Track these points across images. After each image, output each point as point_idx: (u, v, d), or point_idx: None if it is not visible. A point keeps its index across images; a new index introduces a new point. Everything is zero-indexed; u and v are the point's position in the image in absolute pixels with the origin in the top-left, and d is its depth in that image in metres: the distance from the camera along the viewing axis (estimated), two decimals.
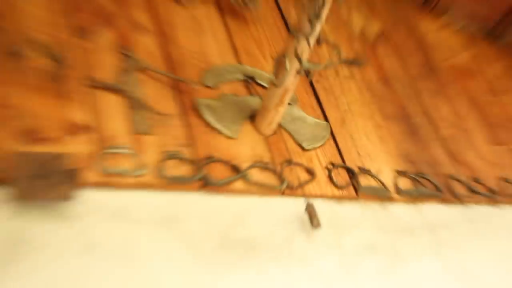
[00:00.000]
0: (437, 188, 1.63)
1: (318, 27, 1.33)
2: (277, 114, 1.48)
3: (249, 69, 1.63)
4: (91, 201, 1.22)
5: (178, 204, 1.30)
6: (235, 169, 1.38)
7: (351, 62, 1.81)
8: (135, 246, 1.21)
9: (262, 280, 1.28)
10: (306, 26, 1.32)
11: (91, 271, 1.15)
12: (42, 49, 1.38)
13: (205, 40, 1.64)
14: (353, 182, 1.52)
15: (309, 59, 1.40)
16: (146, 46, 1.54)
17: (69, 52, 1.41)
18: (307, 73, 1.67)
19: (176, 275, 1.21)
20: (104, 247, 1.19)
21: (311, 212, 1.38)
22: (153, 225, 1.25)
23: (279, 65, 1.41)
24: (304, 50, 1.37)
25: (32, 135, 1.24)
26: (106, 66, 1.44)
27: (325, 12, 1.31)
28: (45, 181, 1.17)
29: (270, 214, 1.38)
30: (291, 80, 1.42)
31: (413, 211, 1.59)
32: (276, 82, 1.42)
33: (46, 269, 1.12)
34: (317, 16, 1.30)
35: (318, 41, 1.39)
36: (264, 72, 1.63)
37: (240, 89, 1.58)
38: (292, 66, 1.39)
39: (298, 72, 1.40)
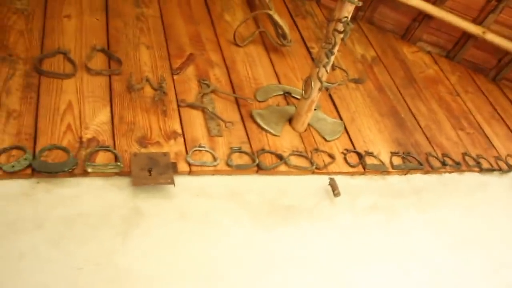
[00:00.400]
0: (420, 163, 1.52)
1: (332, 58, 1.25)
2: (307, 117, 1.40)
3: (287, 87, 1.54)
4: (183, 184, 1.17)
5: (241, 183, 1.24)
6: (279, 157, 1.31)
7: (356, 81, 1.71)
8: (213, 214, 1.16)
9: (298, 232, 1.21)
10: (324, 58, 1.24)
11: (185, 232, 1.11)
12: (149, 83, 1.34)
13: (255, 69, 1.57)
14: (362, 162, 1.43)
15: (327, 80, 1.31)
16: (216, 75, 1.48)
17: (167, 83, 1.36)
18: (327, 89, 1.58)
19: (240, 232, 1.16)
20: (192, 215, 1.14)
21: (333, 185, 1.30)
22: (224, 199, 1.20)
23: (307, 84, 1.32)
24: (323, 74, 1.28)
25: (144, 141, 1.20)
26: (191, 91, 1.39)
27: (336, 49, 1.23)
28: (154, 171, 1.13)
29: (304, 188, 1.31)
30: (315, 94, 1.34)
31: (403, 180, 1.49)
32: (305, 96, 1.34)
33: (155, 231, 1.09)
34: (331, 52, 1.23)
35: (333, 67, 1.30)
36: (297, 88, 1.54)
37: (281, 101, 1.50)
38: (315, 85, 1.31)
39: (320, 89, 1.32)
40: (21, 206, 1.03)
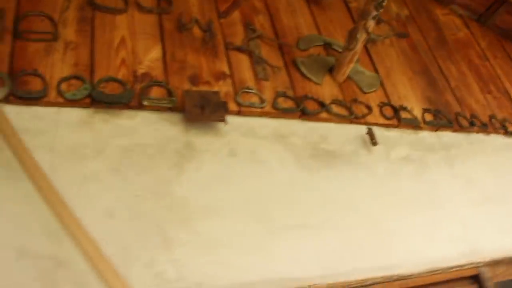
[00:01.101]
0: (449, 121, 1.57)
1: (380, 11, 1.28)
2: (348, 68, 1.43)
3: (327, 38, 1.56)
4: (232, 123, 1.22)
5: (286, 126, 1.29)
6: (321, 104, 1.35)
7: (400, 35, 1.73)
8: (259, 153, 1.22)
9: (337, 176, 1.27)
10: (373, 11, 1.27)
11: (234, 168, 1.17)
12: (198, 24, 1.36)
13: (297, 19, 1.58)
14: (396, 115, 1.48)
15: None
16: (260, 22, 1.50)
17: (215, 26, 1.39)
18: (373, 41, 1.62)
19: (285, 172, 1.21)
20: (241, 153, 1.19)
21: (371, 134, 1.35)
22: (270, 140, 1.25)
23: (352, 35, 1.35)
24: (371, 26, 1.31)
25: (195, 79, 1.24)
26: (237, 35, 1.41)
27: (385, 3, 1.26)
28: (206, 109, 1.17)
29: (342, 135, 1.36)
30: (360, 46, 1.37)
31: (433, 136, 1.54)
32: (349, 47, 1.37)
33: (207, 165, 1.14)
34: (381, 5, 1.25)
35: (378, 21, 1.33)
36: (336, 40, 1.57)
37: (321, 51, 1.53)
38: (361, 36, 1.34)
39: (366, 41, 1.35)
40: (82, 134, 1.07)
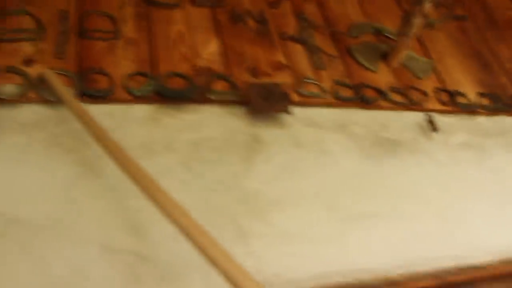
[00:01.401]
0: (506, 105, 1.55)
1: None
2: (402, 55, 1.42)
3: (377, 25, 1.55)
4: (295, 114, 1.22)
5: (347, 116, 1.28)
6: (379, 92, 1.34)
7: (458, 17, 1.71)
8: (324, 143, 1.21)
9: (401, 165, 1.25)
10: None
11: (301, 159, 1.16)
12: (251, 15, 1.37)
13: (345, 6, 1.57)
14: (452, 101, 1.46)
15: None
16: (311, 11, 1.49)
17: (267, 17, 1.39)
18: (431, 25, 1.60)
19: (350, 161, 1.21)
20: (305, 144, 1.19)
21: (431, 121, 1.34)
22: (333, 129, 1.24)
23: (407, 21, 1.34)
24: (427, 9, 1.30)
25: (255, 71, 1.25)
26: (290, 25, 1.41)
27: None
28: (270, 101, 1.18)
29: (401, 122, 1.34)
30: (414, 31, 1.36)
31: (490, 120, 1.52)
32: (405, 33, 1.36)
33: (275, 157, 1.14)
34: None
35: (436, 5, 1.31)
36: (386, 27, 1.55)
37: (372, 38, 1.51)
38: (416, 22, 1.33)
39: (424, 26, 1.33)
40: (151, 130, 1.09)
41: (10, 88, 1.07)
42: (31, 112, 1.08)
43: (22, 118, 1.07)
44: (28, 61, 1.12)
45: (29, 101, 1.08)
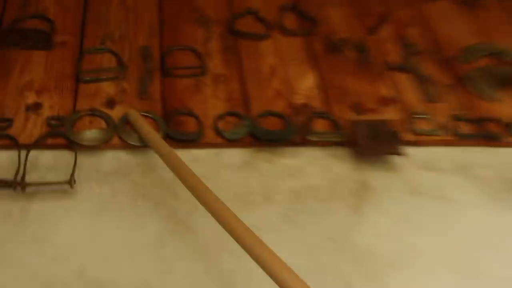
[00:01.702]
0: None
1: None
2: None
3: (497, 46, 1.35)
4: (408, 155, 1.06)
5: (469, 155, 1.09)
6: (506, 125, 1.14)
7: None
8: (444, 189, 1.03)
9: None
10: None
11: (418, 208, 0.99)
12: (350, 45, 1.23)
13: (452, 27, 1.37)
14: None
15: None
16: (414, 35, 1.33)
17: (367, 45, 1.25)
18: None
19: (478, 211, 1.01)
20: (422, 190, 1.02)
21: None
22: (454, 172, 1.06)
23: None
24: None
25: (359, 107, 1.10)
26: (391, 52, 1.26)
27: None
28: (378, 141, 1.03)
29: None
30: None
31: None
32: None
33: (388, 207, 0.97)
34: None
35: None
36: (505, 47, 1.35)
37: (491, 62, 1.30)
38: None
39: None
40: (246, 177, 0.97)
41: (92, 134, 1.00)
42: (114, 159, 1.01)
43: (105, 166, 0.99)
44: (110, 103, 1.05)
45: (112, 147, 1.01)
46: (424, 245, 0.95)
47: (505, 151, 1.13)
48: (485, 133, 1.11)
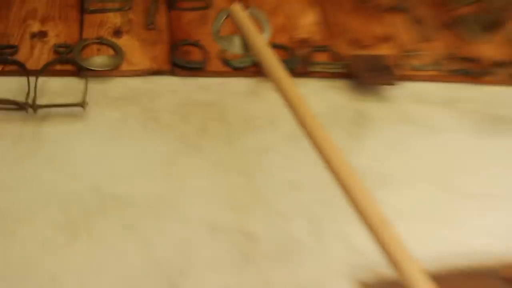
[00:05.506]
0: None
1: None
2: None
3: None
4: (400, 88, 1.17)
5: (456, 90, 1.22)
6: (490, 65, 1.25)
7: None
8: (432, 119, 1.16)
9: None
10: None
11: (409, 135, 1.12)
12: None
13: None
14: None
15: None
16: None
17: None
18: None
19: (461, 139, 1.15)
20: (414, 120, 1.14)
21: None
22: (442, 105, 1.19)
23: None
24: None
25: (357, 43, 1.21)
26: None
27: None
28: (374, 73, 1.15)
29: None
30: None
31: None
32: None
33: (382, 134, 1.10)
34: None
35: None
36: None
37: (482, 7, 1.41)
38: None
39: None
40: (252, 104, 1.07)
41: (101, 60, 1.07)
42: (122, 86, 1.08)
43: (114, 92, 1.06)
44: (117, 32, 1.13)
45: (121, 74, 1.08)
46: (415, 167, 1.07)
47: (489, 88, 1.26)
48: (472, 70, 1.25)
